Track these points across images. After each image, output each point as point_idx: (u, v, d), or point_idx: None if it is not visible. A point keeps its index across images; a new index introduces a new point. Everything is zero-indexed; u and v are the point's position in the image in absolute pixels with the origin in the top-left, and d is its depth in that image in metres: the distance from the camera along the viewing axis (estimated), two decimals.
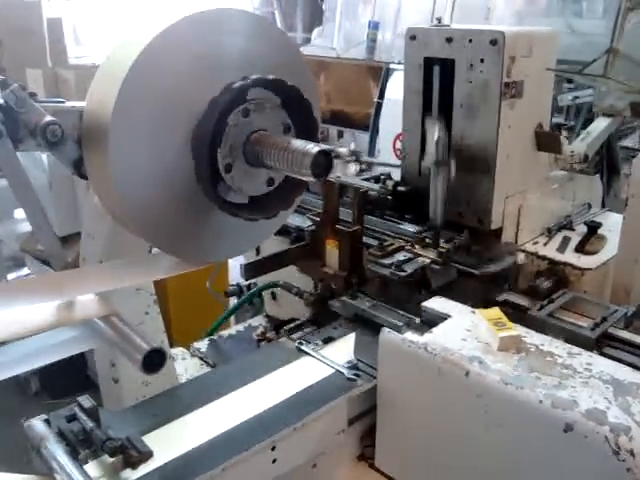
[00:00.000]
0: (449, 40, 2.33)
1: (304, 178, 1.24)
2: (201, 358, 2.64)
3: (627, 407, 1.48)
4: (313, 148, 1.20)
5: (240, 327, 2.90)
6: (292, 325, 2.35)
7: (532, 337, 1.76)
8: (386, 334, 1.80)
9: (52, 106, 1.38)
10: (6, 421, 4.86)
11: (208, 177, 1.26)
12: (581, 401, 1.49)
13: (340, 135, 7.43)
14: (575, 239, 2.60)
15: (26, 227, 5.37)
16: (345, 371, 1.90)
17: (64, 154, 1.35)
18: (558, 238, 2.61)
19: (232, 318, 3.36)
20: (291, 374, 1.92)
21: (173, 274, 1.44)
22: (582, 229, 2.67)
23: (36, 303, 1.28)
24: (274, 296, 2.85)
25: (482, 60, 2.26)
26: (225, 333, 2.86)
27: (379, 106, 4.76)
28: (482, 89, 2.29)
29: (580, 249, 2.51)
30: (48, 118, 1.31)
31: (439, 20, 2.50)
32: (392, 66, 4.88)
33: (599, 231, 2.63)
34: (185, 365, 2.61)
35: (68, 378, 4.73)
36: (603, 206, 3.16)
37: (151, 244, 1.37)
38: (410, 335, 1.77)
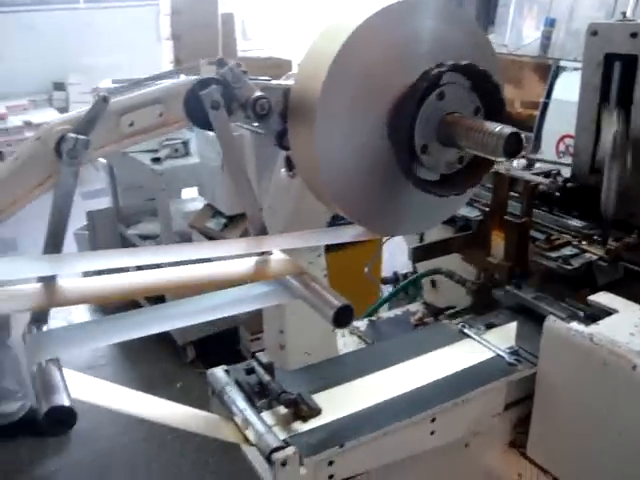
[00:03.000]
0: (634, 35, 2.29)
1: (496, 158, 1.32)
2: (360, 337, 2.76)
3: None
4: (505, 130, 1.27)
5: (398, 311, 2.99)
6: (452, 311, 2.41)
7: None
8: (551, 322, 1.83)
9: (261, 83, 1.53)
10: (164, 384, 5.28)
11: (405, 156, 1.37)
12: None
13: None
14: None
15: (194, 206, 5.76)
16: (506, 356, 1.95)
17: (269, 126, 1.50)
18: None
19: (384, 307, 3.44)
20: (452, 354, 1.99)
21: (357, 240, 1.56)
22: None
23: (235, 252, 1.44)
24: (433, 283, 2.92)
25: None
26: (383, 315, 2.96)
27: (545, 106, 4.69)
28: None
29: None
30: (258, 93, 1.47)
31: (624, 15, 2.47)
32: (562, 64, 4.78)
33: None
34: (344, 341, 2.73)
35: (221, 350, 5.05)
36: None
37: (345, 214, 1.49)
38: (575, 325, 1.79)
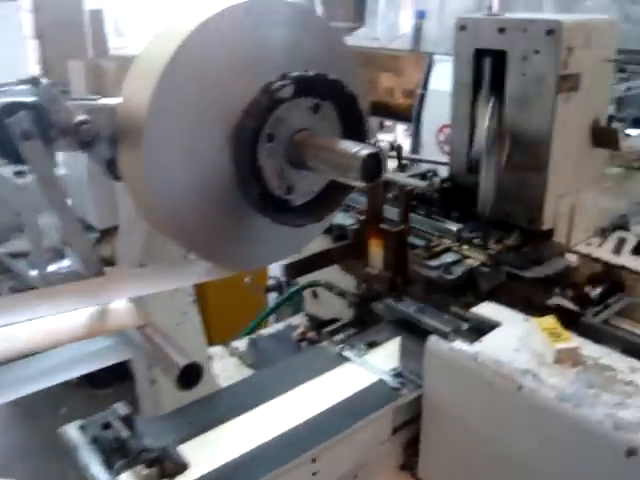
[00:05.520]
0: (501, 30, 2.21)
1: (353, 183, 1.15)
2: (240, 357, 2.58)
3: None
4: (362, 150, 1.10)
5: (280, 326, 2.83)
6: (334, 327, 2.27)
7: (590, 349, 1.65)
8: (433, 342, 1.71)
9: (85, 104, 1.31)
10: (49, 410, 4.92)
11: (250, 183, 1.18)
12: None
13: (381, 126, 7.33)
14: (631, 240, 2.46)
15: None
16: (389, 379, 1.82)
17: (97, 154, 1.28)
18: (613, 239, 2.48)
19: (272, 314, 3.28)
20: (333, 381, 1.84)
21: (210, 279, 1.36)
22: (638, 230, 2.53)
23: (68, 310, 1.21)
24: (315, 294, 2.77)
25: (537, 51, 2.14)
26: (265, 332, 2.79)
27: (422, 97, 4.63)
28: (536, 82, 2.17)
29: (637, 251, 2.38)
30: (81, 117, 1.25)
31: (490, 9, 2.39)
32: (436, 57, 4.74)
33: None
34: (223, 365, 2.54)
35: (109, 369, 4.73)
36: None
37: (187, 250, 1.29)
38: (459, 344, 1.68)
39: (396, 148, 2.86)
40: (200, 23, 1.18)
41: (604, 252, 2.38)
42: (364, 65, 6.28)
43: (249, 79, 1.24)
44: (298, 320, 2.85)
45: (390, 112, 6.17)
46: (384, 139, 7.30)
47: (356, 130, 1.26)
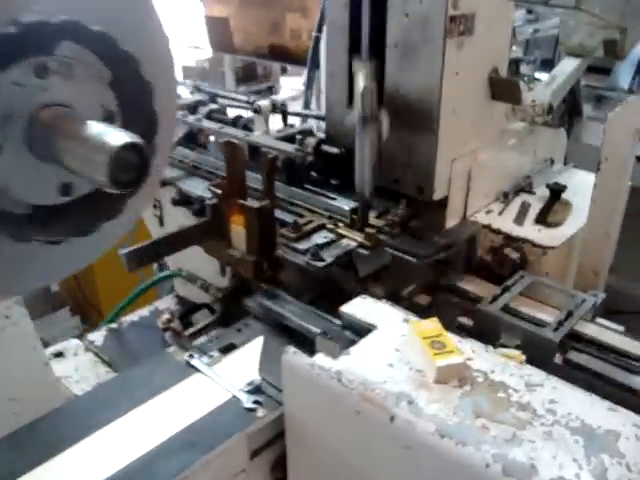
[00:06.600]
0: None
1: (101, 186, 0.77)
2: (96, 354, 2.19)
3: (602, 472, 1.09)
4: (116, 139, 0.72)
5: (145, 311, 2.44)
6: (194, 330, 1.90)
7: (480, 359, 1.35)
8: (291, 356, 1.37)
9: None
10: None
11: None
12: (542, 464, 1.10)
13: (284, 70, 6.89)
14: (536, 205, 2.17)
15: None
16: (244, 397, 1.48)
17: None
18: (516, 204, 2.18)
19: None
20: (176, 402, 1.49)
21: None
22: (543, 192, 2.24)
23: None
24: None
25: None
26: (127, 319, 2.40)
27: (317, 40, 4.21)
28: (421, 25, 1.81)
29: (541, 220, 2.09)
30: None
31: None
32: None
33: (563, 195, 2.21)
34: (76, 363, 2.15)
35: None
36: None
37: None
38: (321, 358, 1.35)
39: (280, 107, 2.48)
40: None
41: (505, 222, 2.08)
42: (266, 4, 5.81)
43: None
44: (166, 303, 2.48)
45: (291, 56, 5.74)
46: (288, 84, 6.86)
47: (135, 109, 0.87)
